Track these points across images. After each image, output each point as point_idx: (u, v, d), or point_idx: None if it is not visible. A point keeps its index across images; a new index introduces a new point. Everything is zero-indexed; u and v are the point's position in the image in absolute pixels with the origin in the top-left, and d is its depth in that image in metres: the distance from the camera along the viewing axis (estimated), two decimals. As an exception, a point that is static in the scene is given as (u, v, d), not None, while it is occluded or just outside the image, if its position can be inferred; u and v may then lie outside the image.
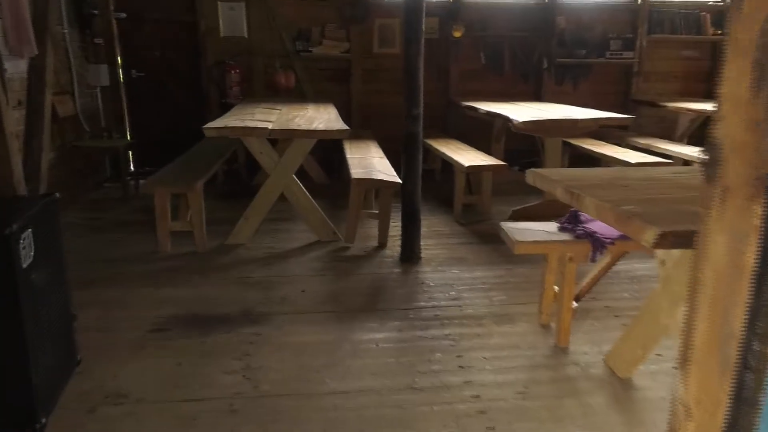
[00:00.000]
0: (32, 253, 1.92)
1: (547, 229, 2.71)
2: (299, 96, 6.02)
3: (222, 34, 5.92)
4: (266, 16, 5.89)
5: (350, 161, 4.29)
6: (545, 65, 6.33)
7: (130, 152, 5.66)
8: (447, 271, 3.58)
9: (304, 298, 3.16)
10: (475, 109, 5.34)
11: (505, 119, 4.53)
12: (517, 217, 4.74)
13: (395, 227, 4.15)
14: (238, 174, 5.95)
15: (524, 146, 6.44)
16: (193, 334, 2.71)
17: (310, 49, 5.91)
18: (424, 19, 3.39)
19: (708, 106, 5.66)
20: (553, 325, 2.83)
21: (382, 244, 4.03)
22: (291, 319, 2.90)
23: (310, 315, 2.96)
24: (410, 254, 3.72)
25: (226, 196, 5.35)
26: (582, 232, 2.58)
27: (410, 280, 3.46)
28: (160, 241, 3.81)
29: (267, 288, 3.28)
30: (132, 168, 6.09)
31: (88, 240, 4.10)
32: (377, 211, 4.03)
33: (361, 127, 6.19)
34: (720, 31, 6.46)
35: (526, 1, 6.30)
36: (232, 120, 3.81)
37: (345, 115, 5.95)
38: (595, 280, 2.94)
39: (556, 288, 2.77)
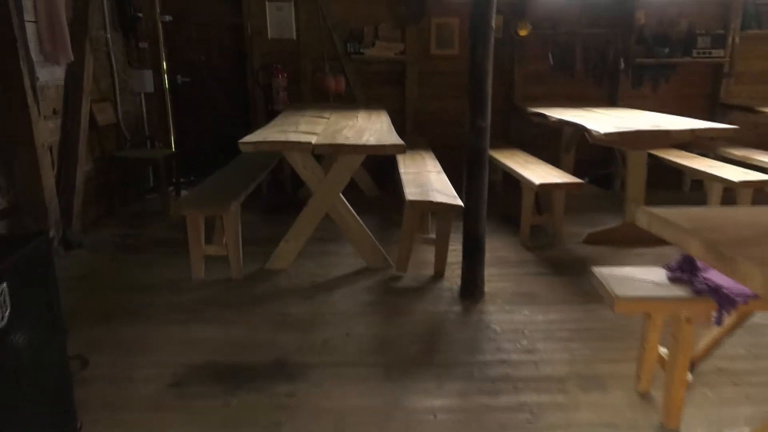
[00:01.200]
0: (7, 312, 1.54)
1: (655, 278, 2.16)
2: (349, 101, 5.60)
3: (269, 36, 5.56)
4: (316, 16, 5.49)
5: (404, 177, 3.82)
6: (622, 66, 5.67)
7: (174, 162, 5.38)
8: (516, 312, 3.06)
9: (349, 345, 2.71)
10: (544, 116, 4.76)
11: (582, 129, 3.96)
12: (594, 241, 4.16)
13: (454, 252, 3.66)
14: (282, 185, 5.58)
15: (596, 156, 5.82)
16: (218, 392, 2.30)
17: (362, 50, 5.47)
18: (494, 17, 2.87)
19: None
20: (654, 394, 2.27)
21: (438, 274, 3.54)
22: (332, 374, 2.45)
23: (354, 368, 2.50)
24: (472, 289, 3.21)
25: (268, 210, 4.98)
26: (704, 286, 2.01)
27: (473, 322, 2.95)
28: (193, 268, 3.45)
29: (306, 329, 2.85)
30: (175, 177, 5.83)
31: (117, 263, 3.79)
32: (434, 236, 3.54)
33: (415, 135, 5.71)
34: (829, 25, 5.63)
35: (602, -5, 5.66)
36: (272, 132, 3.41)
37: (399, 122, 5.52)
38: (715, 344, 2.36)
39: (662, 350, 2.21)
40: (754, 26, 5.61)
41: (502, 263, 3.78)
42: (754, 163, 4.72)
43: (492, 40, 2.88)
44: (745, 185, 3.88)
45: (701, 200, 5.23)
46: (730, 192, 4.26)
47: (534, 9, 5.54)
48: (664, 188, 5.30)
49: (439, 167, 4.29)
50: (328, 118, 4.27)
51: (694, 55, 5.62)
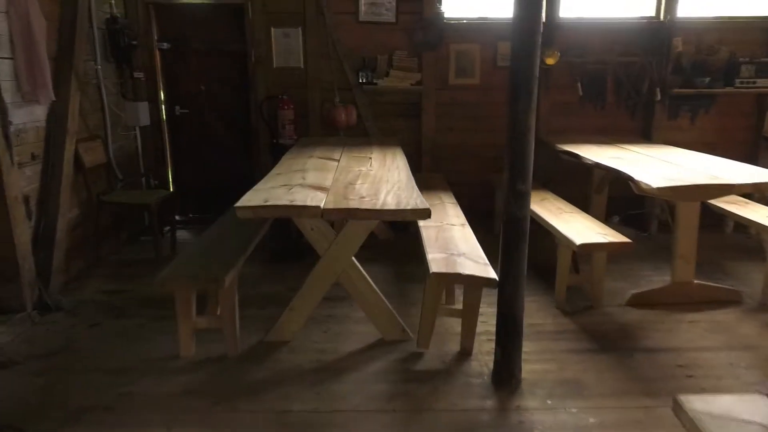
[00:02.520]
0: None
1: (760, 415, 1.67)
2: (361, 134, 5.16)
3: (275, 65, 5.14)
4: (325, 44, 5.06)
5: (424, 234, 3.36)
6: (658, 97, 5.19)
7: (170, 203, 4.94)
8: (561, 409, 2.57)
9: (364, 462, 2.24)
10: (577, 156, 4.29)
11: (627, 178, 3.48)
12: (638, 303, 3.68)
13: (483, 321, 3.19)
14: (286, 228, 5.13)
15: (628, 192, 5.33)
16: None
17: (375, 81, 5.03)
18: (538, 57, 2.42)
19: None
20: None
21: (466, 351, 3.07)
22: None
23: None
24: (507, 378, 2.73)
25: (271, 258, 4.51)
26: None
27: (511, 426, 2.47)
28: (182, 345, 2.99)
29: (312, 436, 2.39)
30: (172, 217, 5.40)
31: (98, 332, 3.33)
32: (461, 308, 3.07)
33: (432, 171, 5.26)
34: None
35: (636, 20, 5.20)
36: (275, 188, 2.95)
37: (414, 157, 5.08)
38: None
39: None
40: (803, 54, 5.13)
41: (538, 334, 3.29)
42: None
43: (536, 90, 2.43)
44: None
45: (746, 245, 4.75)
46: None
47: (562, 36, 5.09)
48: (702, 228, 4.84)
49: (462, 217, 3.83)
50: (338, 161, 3.83)
51: (737, 84, 5.14)
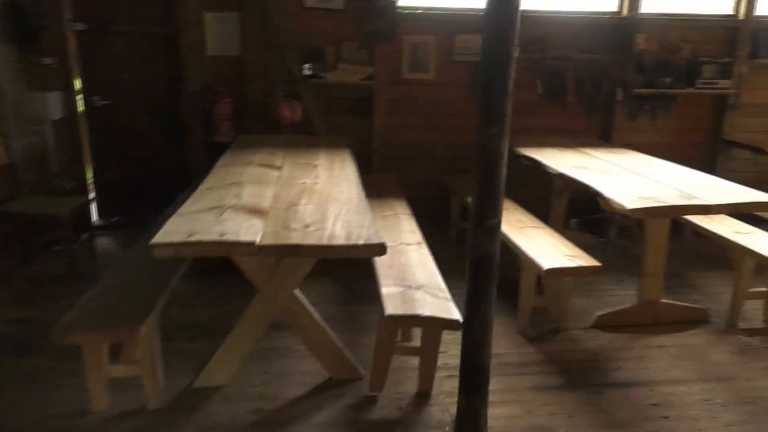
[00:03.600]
0: None
1: None
2: (307, 132, 4.70)
3: (210, 53, 4.60)
4: (267, 31, 4.55)
5: (376, 260, 2.98)
6: (619, 96, 4.97)
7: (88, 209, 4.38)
8: (533, 470, 2.29)
9: None
10: (540, 163, 4.01)
11: (596, 194, 3.21)
12: (605, 324, 3.45)
13: (443, 353, 2.87)
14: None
15: (585, 195, 5.13)
16: None
17: (322, 74, 4.57)
18: (513, 73, 2.07)
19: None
20: None
21: (424, 393, 2.74)
22: None
23: None
24: (472, 430, 2.42)
25: (204, 271, 4.01)
26: None
27: (479, 496, 2.16)
28: (92, 398, 2.52)
29: None
30: (95, 218, 4.83)
31: (-7, 379, 2.82)
32: (418, 345, 2.73)
33: (383, 172, 4.88)
34: (842, 56, 5.09)
35: (598, 15, 4.93)
36: (203, 214, 2.49)
37: (364, 157, 4.68)
38: None
39: None
40: (763, 54, 5.00)
41: (502, 367, 3.00)
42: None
43: (509, 112, 2.08)
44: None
45: (705, 252, 4.61)
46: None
47: (522, 28, 4.73)
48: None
49: (418, 233, 3.47)
50: (280, 169, 3.39)
51: (698, 85, 4.98)
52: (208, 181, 3.09)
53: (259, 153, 3.79)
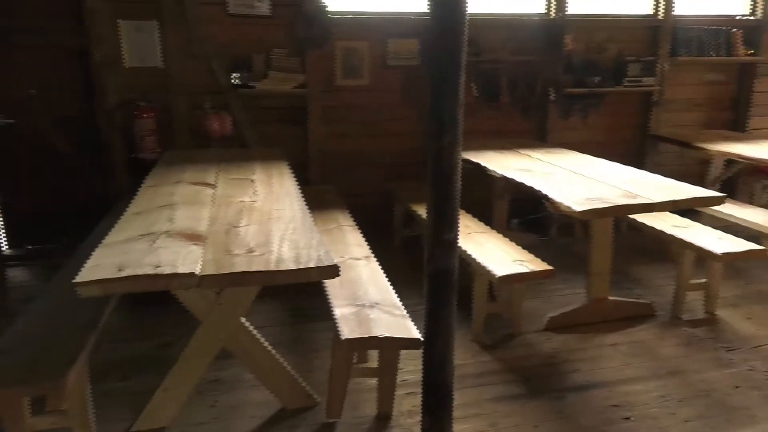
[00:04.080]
0: None
1: None
2: (239, 144, 4.46)
3: (127, 65, 4.28)
4: (190, 40, 4.28)
5: (326, 281, 2.81)
6: (551, 96, 5.03)
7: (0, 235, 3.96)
8: (506, 491, 2.20)
9: None
10: (482, 167, 3.97)
11: (543, 198, 3.19)
12: (557, 326, 3.44)
13: (400, 369, 2.75)
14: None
15: (524, 194, 5.17)
16: None
17: (251, 84, 4.35)
18: (463, 78, 1.97)
19: (751, 150, 4.53)
20: None
21: (384, 416, 2.60)
22: None
23: None
24: (439, 454, 2.30)
25: (138, 302, 3.71)
26: None
27: None
28: (11, 460, 2.22)
29: None
30: (5, 248, 4.40)
31: None
32: (376, 365, 2.59)
33: (323, 183, 4.71)
34: (751, 51, 5.37)
35: (528, 17, 4.97)
36: (132, 244, 2.25)
37: (301, 168, 4.50)
38: None
39: None
40: (683, 52, 5.21)
41: (461, 379, 2.90)
42: (716, 215, 4.23)
43: (461, 121, 1.98)
44: (727, 258, 3.32)
45: (642, 245, 4.73)
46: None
47: (455, 32, 4.72)
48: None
49: (365, 246, 3.33)
50: (214, 187, 3.16)
51: (625, 83, 5.12)
52: (135, 205, 2.82)
53: (190, 170, 3.53)
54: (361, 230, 3.61)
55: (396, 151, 4.85)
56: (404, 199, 4.37)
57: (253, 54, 4.38)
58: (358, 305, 2.57)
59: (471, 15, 4.89)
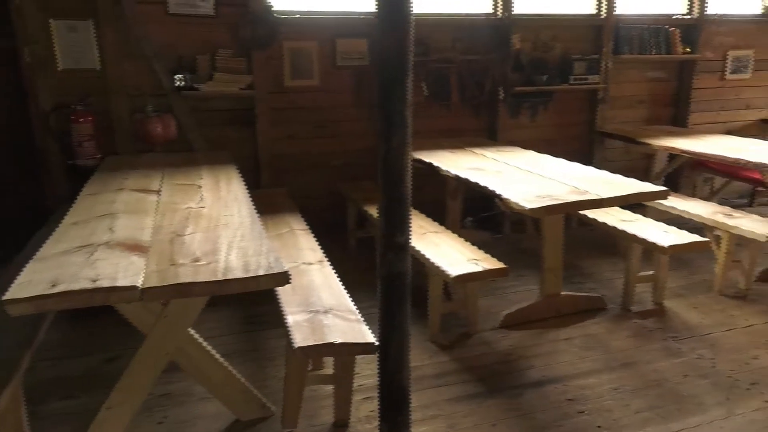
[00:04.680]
0: None
1: None
2: (184, 148, 4.32)
3: (62, 66, 4.07)
4: (128, 40, 4.11)
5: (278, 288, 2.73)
6: (501, 95, 5.08)
7: None
8: (466, 493, 2.18)
9: None
10: (434, 167, 3.96)
11: (495, 196, 3.20)
12: (512, 322, 3.46)
13: (357, 374, 2.70)
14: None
15: (476, 192, 5.20)
16: None
17: (195, 86, 4.21)
18: (411, 76, 1.93)
19: (692, 144, 4.69)
20: None
21: (341, 423, 2.55)
22: None
23: None
24: (398, 460, 2.26)
25: (77, 315, 3.52)
26: None
27: None
28: (-61, 495, 2.06)
29: None
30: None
31: None
32: (332, 372, 2.53)
33: (273, 186, 4.61)
34: (689, 49, 5.57)
35: (476, 17, 5.00)
36: (68, 256, 2.12)
37: (251, 171, 4.41)
38: None
39: None
40: (626, 50, 5.35)
41: (419, 381, 2.88)
42: (661, 208, 4.34)
43: (410, 121, 1.95)
44: (672, 250, 3.41)
45: (592, 239, 4.83)
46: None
47: (404, 31, 4.70)
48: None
49: (318, 250, 3.26)
50: (159, 193, 3.03)
51: (571, 81, 5.22)
52: (73, 214, 2.67)
53: (132, 176, 3.39)
54: (315, 233, 3.55)
55: (348, 152, 4.80)
56: (357, 200, 4.32)
57: (197, 55, 4.25)
58: (311, 311, 2.51)
59: (420, 15, 4.94)
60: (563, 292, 3.59)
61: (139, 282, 1.90)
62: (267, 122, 4.54)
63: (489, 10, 5.01)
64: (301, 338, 2.28)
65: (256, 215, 2.67)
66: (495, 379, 2.94)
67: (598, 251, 4.58)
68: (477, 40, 4.96)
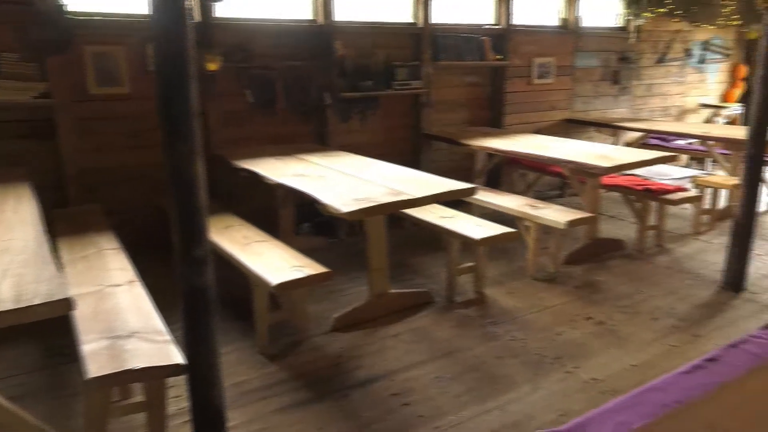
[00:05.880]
0: None
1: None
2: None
3: None
4: None
5: (74, 312, 2.47)
6: (327, 101, 5.12)
7: None
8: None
9: None
10: (258, 175, 3.87)
11: (315, 202, 3.19)
12: (343, 325, 3.48)
13: (174, 398, 2.53)
14: None
15: (309, 200, 5.19)
16: None
17: (-24, 94, 3.70)
18: (193, 83, 1.84)
19: (505, 144, 5.11)
20: None
21: (156, 452, 2.36)
22: None
23: None
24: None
25: None
26: None
27: None
28: None
29: None
30: None
31: None
32: (143, 399, 2.34)
33: (84, 202, 4.21)
34: (499, 56, 6.05)
35: (297, 23, 4.99)
36: None
37: (56, 188, 4.02)
38: None
39: None
40: (444, 57, 5.66)
41: (244, 396, 2.78)
42: (479, 203, 4.62)
43: (197, 127, 1.86)
44: (485, 242, 3.65)
45: (421, 237, 5.02)
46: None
47: (222, 36, 4.56)
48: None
49: (129, 270, 3.01)
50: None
51: (395, 87, 5.41)
52: None
53: None
54: (134, 251, 3.29)
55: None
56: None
57: (-24, 60, 3.74)
58: (112, 337, 2.29)
59: (239, 20, 4.83)
60: (391, 290, 3.69)
61: None
62: (72, 133, 4.12)
63: (309, 16, 5.02)
64: (96, 368, 2.07)
65: (44, 239, 2.39)
66: (323, 383, 2.92)
67: (427, 248, 4.78)
68: (300, 46, 4.95)
